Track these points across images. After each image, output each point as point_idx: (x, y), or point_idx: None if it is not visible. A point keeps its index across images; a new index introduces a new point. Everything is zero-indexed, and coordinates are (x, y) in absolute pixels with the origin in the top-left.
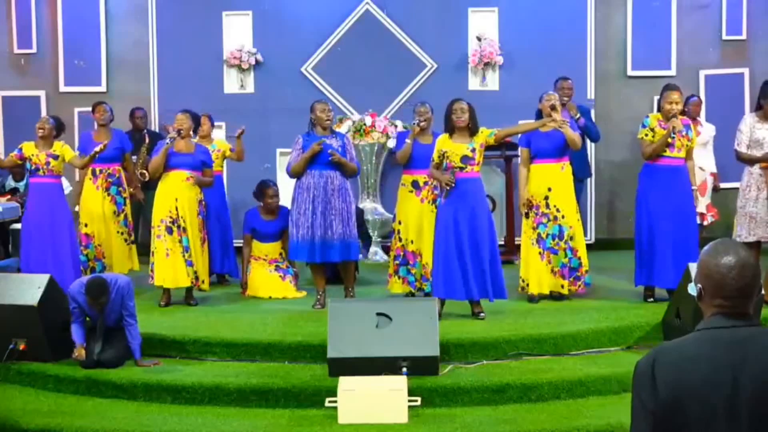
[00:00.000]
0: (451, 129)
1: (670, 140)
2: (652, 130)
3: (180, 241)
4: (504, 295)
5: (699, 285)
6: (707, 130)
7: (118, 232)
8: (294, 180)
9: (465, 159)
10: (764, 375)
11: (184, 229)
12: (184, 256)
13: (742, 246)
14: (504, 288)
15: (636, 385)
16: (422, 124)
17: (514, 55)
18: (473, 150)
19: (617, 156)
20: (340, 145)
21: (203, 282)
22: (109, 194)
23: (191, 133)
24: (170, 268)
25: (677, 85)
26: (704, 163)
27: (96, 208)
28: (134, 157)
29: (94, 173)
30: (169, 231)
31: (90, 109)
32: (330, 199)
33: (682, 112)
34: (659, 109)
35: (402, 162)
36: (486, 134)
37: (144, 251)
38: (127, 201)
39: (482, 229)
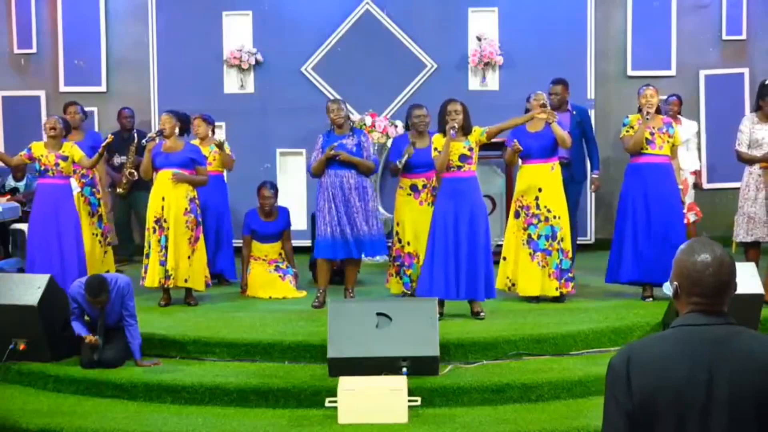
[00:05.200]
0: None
1: (649, 136)
2: (632, 127)
3: (159, 240)
4: (494, 294)
5: (675, 283)
6: (687, 129)
7: (92, 234)
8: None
9: (463, 158)
10: (740, 374)
11: (165, 228)
12: (158, 255)
13: (717, 244)
14: (494, 287)
15: (610, 385)
16: (421, 128)
17: (514, 55)
18: (470, 149)
19: (617, 156)
20: (356, 144)
21: (186, 281)
22: (82, 194)
23: (177, 132)
24: (150, 267)
25: (652, 84)
26: (685, 162)
27: None
28: (123, 158)
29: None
30: (154, 231)
31: (91, 109)
32: (348, 198)
33: (659, 111)
34: (639, 111)
35: (393, 176)
36: (479, 133)
37: (140, 252)
38: (102, 202)
39: (479, 228)
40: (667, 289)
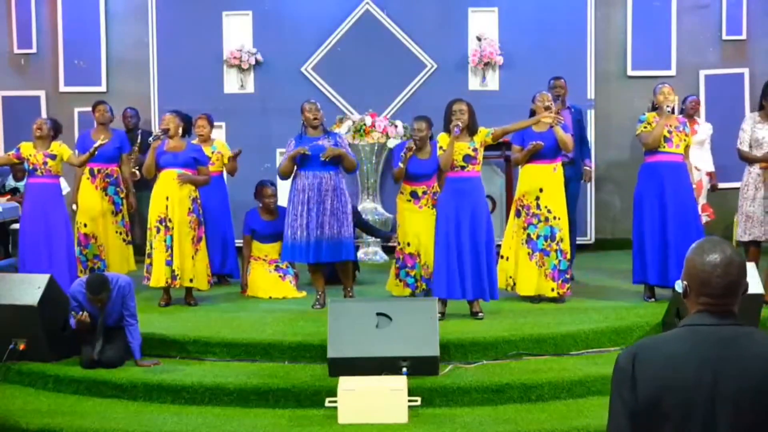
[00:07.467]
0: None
1: (667, 134)
2: (650, 124)
3: (164, 240)
4: (496, 295)
5: (684, 282)
6: (704, 129)
7: (116, 232)
8: (289, 181)
9: (467, 158)
10: (746, 377)
11: (170, 228)
12: (164, 255)
13: (728, 244)
14: (497, 288)
15: (615, 381)
16: (417, 143)
17: (514, 55)
18: (475, 149)
19: (617, 156)
20: (333, 144)
21: (191, 280)
22: (106, 194)
23: (180, 132)
24: (156, 267)
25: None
26: (700, 163)
27: (94, 207)
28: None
29: (92, 173)
30: (158, 230)
31: (90, 108)
32: (324, 199)
33: (680, 111)
34: (654, 109)
35: (397, 182)
36: (484, 133)
37: (140, 252)
38: (124, 201)
39: (482, 228)
40: (678, 287)
